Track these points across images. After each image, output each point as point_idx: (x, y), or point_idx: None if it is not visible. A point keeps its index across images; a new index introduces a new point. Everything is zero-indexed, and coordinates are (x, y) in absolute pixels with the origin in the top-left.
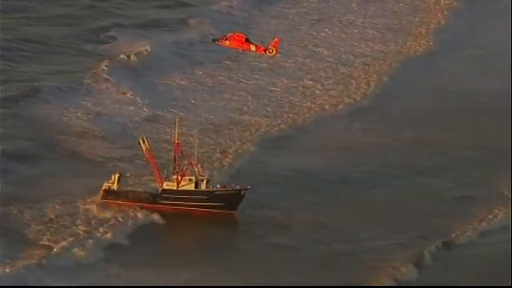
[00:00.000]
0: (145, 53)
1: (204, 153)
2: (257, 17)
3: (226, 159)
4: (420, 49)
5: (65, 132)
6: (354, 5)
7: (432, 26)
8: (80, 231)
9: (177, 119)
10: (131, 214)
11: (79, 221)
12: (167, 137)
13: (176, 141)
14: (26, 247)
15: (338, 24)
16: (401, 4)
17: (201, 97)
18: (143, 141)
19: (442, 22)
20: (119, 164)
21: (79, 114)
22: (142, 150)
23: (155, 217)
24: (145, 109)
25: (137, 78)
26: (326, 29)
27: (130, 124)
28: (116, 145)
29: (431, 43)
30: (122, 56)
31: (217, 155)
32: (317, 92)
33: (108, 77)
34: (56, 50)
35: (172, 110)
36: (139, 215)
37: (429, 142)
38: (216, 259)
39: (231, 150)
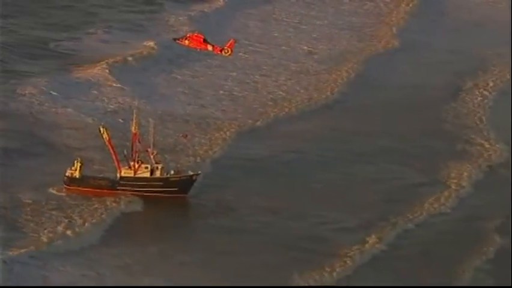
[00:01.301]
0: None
1: (167, 141)
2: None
3: (201, 151)
4: (380, 49)
5: (39, 124)
6: (316, 7)
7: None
8: (55, 217)
9: (135, 111)
10: (95, 200)
11: (51, 207)
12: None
13: (133, 131)
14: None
15: (292, 23)
16: (365, 7)
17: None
18: (103, 131)
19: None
20: (90, 152)
21: (47, 105)
22: (103, 139)
23: (117, 202)
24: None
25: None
26: (286, 30)
27: (101, 116)
28: (88, 135)
29: (391, 43)
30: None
31: (181, 139)
32: (269, 86)
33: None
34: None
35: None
36: (102, 201)
37: (374, 133)
38: (170, 238)
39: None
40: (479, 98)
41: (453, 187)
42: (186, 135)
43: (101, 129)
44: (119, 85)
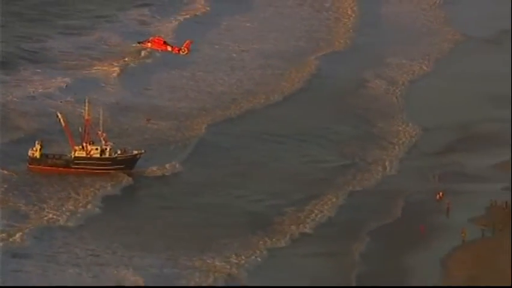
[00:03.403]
0: None
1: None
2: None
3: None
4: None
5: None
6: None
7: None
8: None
9: (87, 100)
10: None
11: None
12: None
13: (86, 118)
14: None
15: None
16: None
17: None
18: (60, 116)
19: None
20: (52, 135)
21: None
22: (60, 123)
23: (71, 178)
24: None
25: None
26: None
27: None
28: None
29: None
30: None
31: (144, 122)
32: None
33: None
34: None
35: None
36: (59, 177)
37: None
38: (117, 209)
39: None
40: (392, 88)
41: (375, 167)
42: (148, 119)
43: (59, 115)
44: None
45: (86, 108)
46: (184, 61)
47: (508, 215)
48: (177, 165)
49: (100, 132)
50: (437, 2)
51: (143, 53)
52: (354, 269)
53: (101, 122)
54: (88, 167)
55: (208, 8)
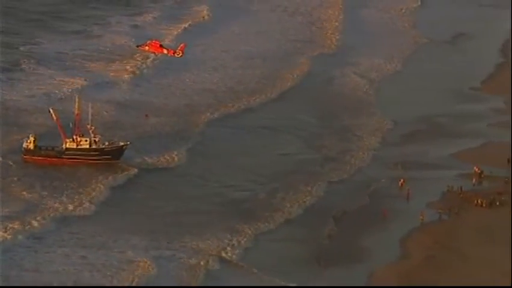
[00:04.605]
0: None
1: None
2: None
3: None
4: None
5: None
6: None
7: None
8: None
9: (77, 96)
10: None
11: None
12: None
13: (76, 112)
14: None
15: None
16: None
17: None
18: (52, 112)
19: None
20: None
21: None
22: (52, 118)
23: (64, 168)
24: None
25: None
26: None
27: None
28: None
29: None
30: None
31: (144, 118)
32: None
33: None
34: None
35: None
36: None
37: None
38: (107, 195)
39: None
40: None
41: (347, 159)
42: (147, 115)
43: (51, 111)
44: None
45: (76, 104)
46: (184, 62)
47: (463, 199)
48: (175, 157)
49: (89, 126)
50: (409, 8)
51: (143, 56)
52: (322, 249)
53: (90, 116)
54: (78, 157)
55: (210, 15)
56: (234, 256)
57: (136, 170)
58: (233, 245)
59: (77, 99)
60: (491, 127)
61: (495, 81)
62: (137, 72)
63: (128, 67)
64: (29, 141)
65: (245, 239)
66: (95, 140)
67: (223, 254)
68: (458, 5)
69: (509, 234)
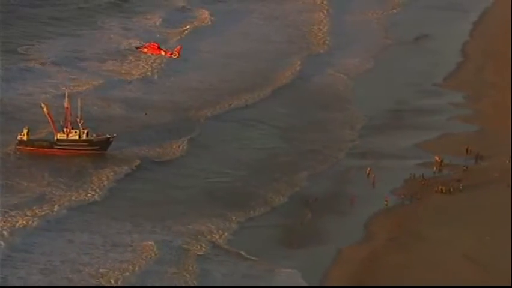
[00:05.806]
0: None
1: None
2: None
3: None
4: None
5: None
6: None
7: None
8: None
9: (66, 92)
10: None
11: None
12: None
13: (66, 106)
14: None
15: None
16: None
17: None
18: (44, 106)
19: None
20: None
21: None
22: (44, 112)
23: (56, 158)
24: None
25: None
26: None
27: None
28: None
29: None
30: None
31: (144, 115)
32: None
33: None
34: None
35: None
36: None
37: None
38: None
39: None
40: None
41: (324, 151)
42: (146, 113)
43: (42, 105)
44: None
45: (66, 99)
46: (183, 62)
47: (425, 186)
48: (174, 151)
49: (78, 119)
50: (385, 12)
51: (143, 56)
52: (295, 233)
53: (79, 111)
54: (68, 148)
55: (212, 18)
56: (222, 241)
57: (138, 161)
58: (222, 230)
59: (66, 94)
60: (451, 120)
61: (455, 79)
62: (137, 72)
63: (128, 67)
64: (22, 133)
65: (233, 225)
66: (85, 132)
67: (214, 239)
68: (419, 8)
69: (467, 217)
